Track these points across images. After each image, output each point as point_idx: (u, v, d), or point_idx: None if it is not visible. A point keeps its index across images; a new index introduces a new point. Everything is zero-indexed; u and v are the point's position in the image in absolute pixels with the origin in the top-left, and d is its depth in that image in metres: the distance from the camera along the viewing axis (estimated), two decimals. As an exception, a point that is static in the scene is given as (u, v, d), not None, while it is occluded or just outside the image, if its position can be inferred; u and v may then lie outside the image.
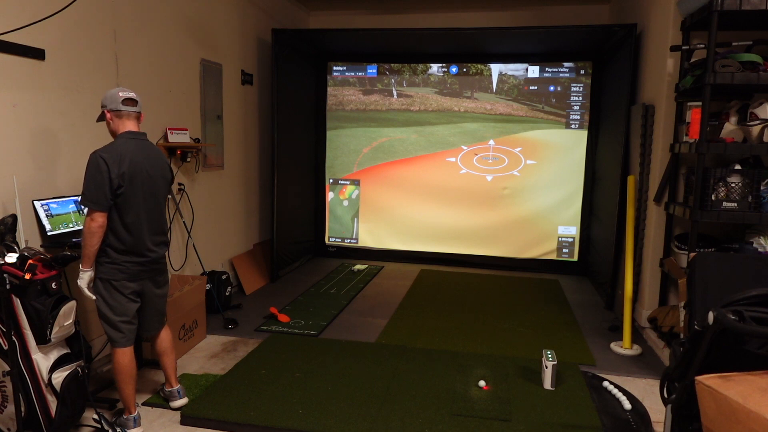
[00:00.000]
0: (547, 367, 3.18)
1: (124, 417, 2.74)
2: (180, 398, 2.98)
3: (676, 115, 3.85)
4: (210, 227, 4.79)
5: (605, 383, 3.23)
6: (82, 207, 2.58)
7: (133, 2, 3.64)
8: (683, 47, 3.60)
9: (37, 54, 2.91)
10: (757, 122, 3.30)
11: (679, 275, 3.51)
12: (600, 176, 5.70)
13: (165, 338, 2.96)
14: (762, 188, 3.25)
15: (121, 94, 2.63)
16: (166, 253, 2.89)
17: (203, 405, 2.92)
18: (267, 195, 5.83)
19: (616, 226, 4.67)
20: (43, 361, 2.47)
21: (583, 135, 5.94)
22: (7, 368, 2.39)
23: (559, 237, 6.12)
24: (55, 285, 2.49)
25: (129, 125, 2.66)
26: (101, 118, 2.69)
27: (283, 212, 5.61)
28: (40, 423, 2.47)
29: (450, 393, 3.11)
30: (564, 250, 6.13)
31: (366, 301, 4.94)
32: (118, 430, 2.67)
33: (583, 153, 5.97)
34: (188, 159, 4.24)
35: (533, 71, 5.98)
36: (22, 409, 2.43)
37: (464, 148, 6.24)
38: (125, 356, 2.70)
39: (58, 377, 2.49)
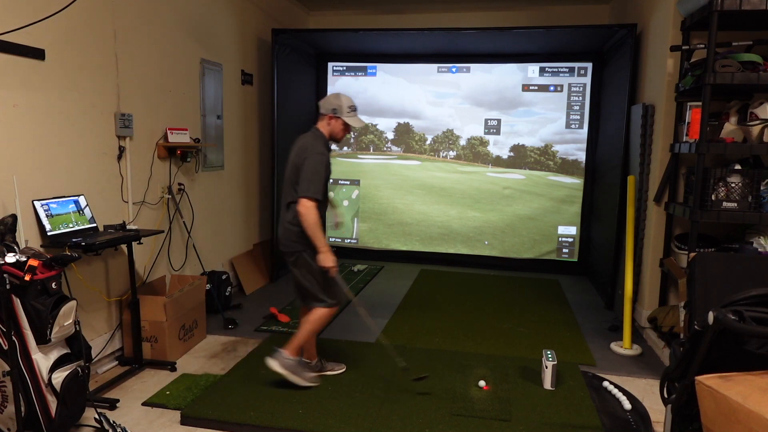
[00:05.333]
0: (547, 367, 3.18)
1: (305, 360, 3.20)
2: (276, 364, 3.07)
3: (676, 115, 3.85)
4: (210, 227, 4.79)
5: (605, 383, 3.23)
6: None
7: (133, 2, 3.64)
8: (683, 47, 3.60)
9: (37, 54, 2.91)
10: (757, 122, 3.30)
11: (679, 275, 3.51)
12: (600, 176, 5.70)
13: (308, 313, 3.17)
14: (762, 188, 3.25)
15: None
16: (284, 233, 3.15)
17: (203, 405, 2.92)
18: (267, 195, 5.83)
19: (616, 226, 4.66)
20: (43, 361, 2.47)
21: (583, 135, 5.95)
22: (7, 368, 2.39)
23: (559, 237, 6.12)
24: (55, 285, 2.49)
25: None
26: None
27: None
28: (40, 423, 2.48)
29: (450, 393, 3.11)
30: (564, 250, 6.12)
31: (366, 301, 4.93)
32: (119, 430, 2.67)
33: (583, 153, 5.98)
34: (188, 159, 4.24)
35: (533, 71, 5.98)
36: (22, 409, 2.43)
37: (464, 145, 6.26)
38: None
39: (58, 377, 2.49)
